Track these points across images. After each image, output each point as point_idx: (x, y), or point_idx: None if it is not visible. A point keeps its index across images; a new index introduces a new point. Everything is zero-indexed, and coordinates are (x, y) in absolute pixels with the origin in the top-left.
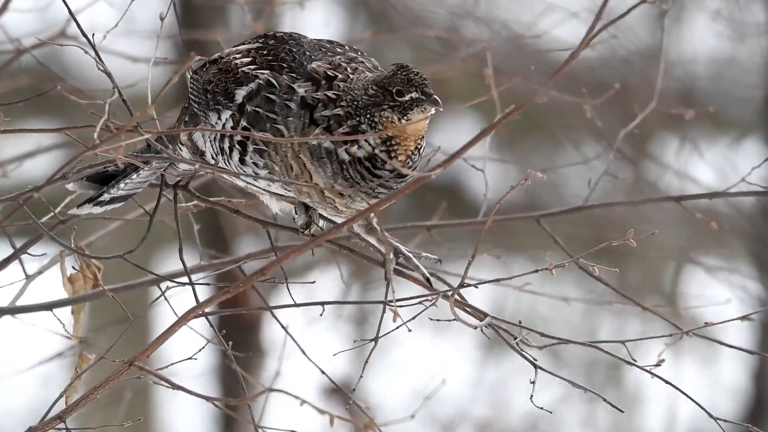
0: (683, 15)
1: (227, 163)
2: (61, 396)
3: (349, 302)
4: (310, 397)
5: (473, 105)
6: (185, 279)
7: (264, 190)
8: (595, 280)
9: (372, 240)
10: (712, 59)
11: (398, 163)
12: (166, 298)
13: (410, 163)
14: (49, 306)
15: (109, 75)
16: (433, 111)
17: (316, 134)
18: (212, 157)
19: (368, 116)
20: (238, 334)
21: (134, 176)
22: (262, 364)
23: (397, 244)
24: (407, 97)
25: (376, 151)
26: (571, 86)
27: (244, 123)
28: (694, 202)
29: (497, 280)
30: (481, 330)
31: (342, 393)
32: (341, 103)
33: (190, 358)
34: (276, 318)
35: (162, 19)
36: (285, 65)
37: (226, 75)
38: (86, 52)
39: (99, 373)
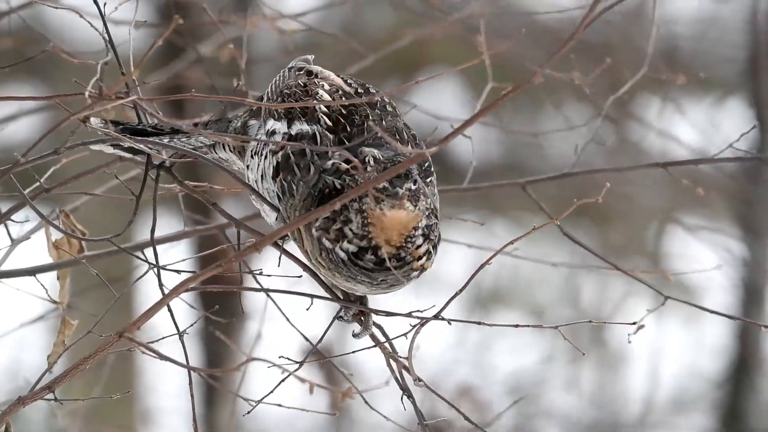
0: None
1: (255, 168)
2: (50, 367)
3: (327, 298)
4: (290, 360)
5: (456, 66)
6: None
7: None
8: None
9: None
10: (695, 19)
11: (386, 254)
12: (154, 272)
13: (402, 255)
14: (32, 271)
15: (106, 38)
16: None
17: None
18: (251, 156)
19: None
20: (218, 298)
21: (166, 139)
22: (244, 327)
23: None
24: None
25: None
26: (555, 47)
27: (278, 156)
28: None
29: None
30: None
31: (323, 356)
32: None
33: (182, 333)
34: (259, 283)
35: None
36: (346, 131)
37: (303, 96)
38: (81, 16)
39: (82, 338)
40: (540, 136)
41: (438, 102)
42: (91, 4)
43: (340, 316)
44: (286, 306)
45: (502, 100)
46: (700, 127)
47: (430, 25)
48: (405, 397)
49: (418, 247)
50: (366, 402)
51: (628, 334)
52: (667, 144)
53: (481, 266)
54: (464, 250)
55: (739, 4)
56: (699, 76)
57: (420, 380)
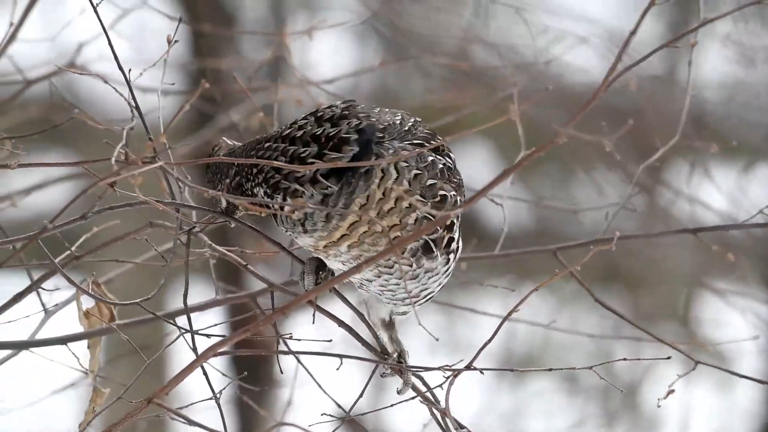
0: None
1: None
2: None
3: (360, 358)
4: (322, 429)
5: (488, 134)
6: (197, 317)
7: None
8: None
9: (384, 336)
10: (723, 84)
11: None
12: (184, 338)
13: None
14: (64, 340)
15: (134, 104)
16: None
17: None
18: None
19: None
20: (251, 365)
21: None
22: (276, 394)
23: (405, 348)
24: None
25: None
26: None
27: None
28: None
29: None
30: None
31: (357, 423)
32: None
33: (213, 398)
34: (291, 351)
35: (169, 42)
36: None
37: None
38: (105, 81)
39: (113, 406)
40: (570, 203)
41: (469, 170)
42: (126, 75)
43: (383, 374)
44: (322, 366)
45: (525, 161)
46: (728, 193)
47: (459, 92)
48: None
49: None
50: None
51: (658, 399)
52: (697, 210)
53: (509, 314)
54: (496, 318)
55: (765, 68)
56: (731, 144)
57: (462, 426)
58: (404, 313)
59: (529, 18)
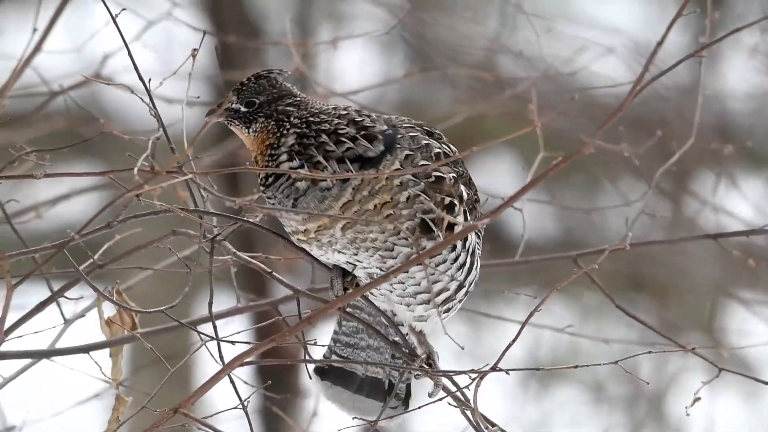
0: (720, 51)
1: None
2: None
3: (386, 365)
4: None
5: (510, 144)
6: (222, 325)
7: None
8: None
9: (413, 338)
10: (750, 94)
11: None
12: (206, 347)
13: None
14: (85, 349)
15: (156, 116)
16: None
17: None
18: None
19: None
20: (276, 375)
21: None
22: (301, 404)
23: (434, 350)
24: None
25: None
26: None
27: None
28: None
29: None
30: None
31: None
32: None
33: (240, 406)
34: (316, 360)
35: (194, 56)
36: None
37: None
38: (132, 91)
39: (139, 415)
40: (594, 212)
41: (492, 177)
42: (147, 84)
43: (416, 375)
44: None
45: (553, 171)
46: (754, 202)
47: (484, 101)
48: None
49: (281, 162)
50: None
51: (686, 407)
52: (723, 219)
53: (530, 314)
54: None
55: None
56: (747, 146)
57: (494, 424)
58: (422, 317)
59: (555, 28)
